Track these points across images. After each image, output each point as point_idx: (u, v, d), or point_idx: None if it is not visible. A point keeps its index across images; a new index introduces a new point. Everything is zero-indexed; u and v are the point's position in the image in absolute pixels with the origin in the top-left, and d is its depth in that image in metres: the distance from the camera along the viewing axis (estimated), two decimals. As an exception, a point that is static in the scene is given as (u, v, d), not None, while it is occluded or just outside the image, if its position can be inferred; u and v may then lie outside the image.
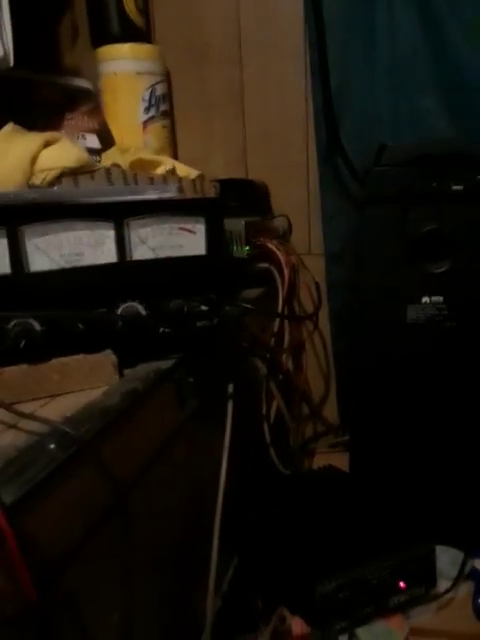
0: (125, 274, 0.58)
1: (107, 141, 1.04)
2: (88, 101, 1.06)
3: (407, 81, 1.04)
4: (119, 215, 0.56)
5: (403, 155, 0.78)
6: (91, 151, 0.99)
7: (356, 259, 0.86)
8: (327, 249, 1.15)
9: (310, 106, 1.11)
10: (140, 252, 0.59)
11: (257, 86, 1.14)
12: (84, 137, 1.02)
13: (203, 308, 0.64)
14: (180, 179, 0.80)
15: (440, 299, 0.82)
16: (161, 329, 0.61)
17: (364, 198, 0.81)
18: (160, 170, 0.79)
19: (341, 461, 1.06)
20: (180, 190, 0.62)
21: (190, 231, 0.61)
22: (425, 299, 0.82)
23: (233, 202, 1.08)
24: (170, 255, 0.60)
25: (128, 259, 0.58)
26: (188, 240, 0.61)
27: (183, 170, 0.84)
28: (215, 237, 0.63)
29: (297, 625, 0.72)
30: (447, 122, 1.03)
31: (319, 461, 1.19)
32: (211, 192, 0.83)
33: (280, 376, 1.02)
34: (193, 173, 0.85)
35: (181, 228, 0.60)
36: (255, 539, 0.85)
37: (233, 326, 0.81)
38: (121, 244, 0.57)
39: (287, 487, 0.92)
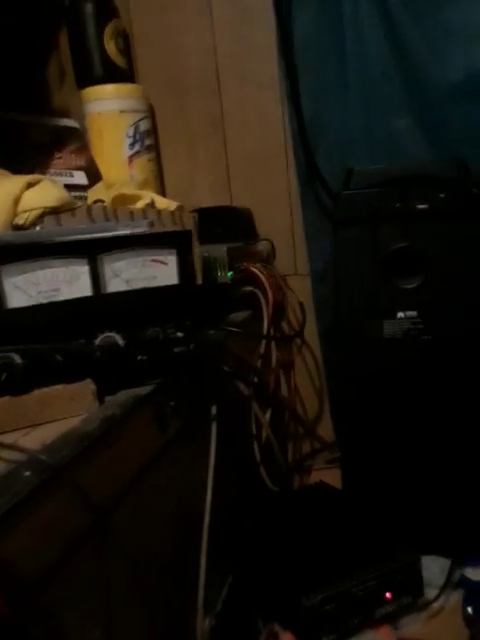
0: (101, 306, 0.62)
1: (94, 177, 1.08)
2: (75, 139, 1.11)
3: (379, 103, 1.07)
4: (93, 251, 0.60)
5: (370, 178, 0.82)
6: (79, 187, 1.04)
7: (333, 278, 0.88)
8: (312, 268, 1.18)
9: (287, 132, 1.15)
10: (115, 285, 0.62)
11: (237, 115, 1.19)
12: (72, 174, 1.07)
13: (179, 335, 0.67)
14: (159, 212, 0.84)
15: (414, 314, 0.84)
16: (139, 357, 0.65)
17: (335, 220, 0.84)
18: (140, 204, 0.83)
19: (337, 477, 1.08)
20: (151, 225, 0.66)
21: (162, 262, 0.65)
22: (400, 314, 0.85)
23: (218, 229, 1.12)
24: (144, 286, 0.64)
25: (103, 292, 0.61)
26: (161, 271, 0.65)
27: (163, 203, 0.88)
28: (186, 267, 0.66)
29: (286, 639, 0.74)
30: (420, 142, 1.06)
31: (316, 478, 1.21)
32: (190, 223, 0.86)
33: (269, 395, 1.05)
34: (172, 205, 0.89)
35: (153, 260, 0.64)
36: (248, 557, 0.87)
37: (215, 349, 0.84)
38: (96, 278, 0.61)
39: (279, 505, 0.94)
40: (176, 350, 0.68)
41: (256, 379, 0.99)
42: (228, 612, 0.84)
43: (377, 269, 0.84)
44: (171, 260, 0.65)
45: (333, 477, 1.09)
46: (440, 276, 0.83)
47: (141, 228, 0.62)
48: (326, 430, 1.28)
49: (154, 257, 0.64)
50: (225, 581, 0.90)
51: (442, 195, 0.79)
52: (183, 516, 0.75)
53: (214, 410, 0.79)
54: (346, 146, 1.10)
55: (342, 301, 0.87)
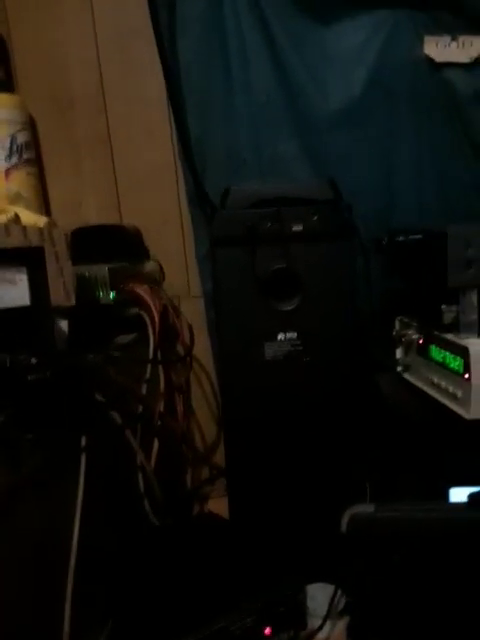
0: None
1: (-35, 191, 1.01)
2: None
3: (265, 126, 1.08)
4: None
5: (246, 198, 0.81)
6: None
7: (214, 301, 0.86)
8: (204, 289, 1.16)
9: (177, 151, 1.13)
10: None
11: (124, 133, 1.15)
12: None
13: (33, 360, 0.61)
14: (25, 228, 0.78)
15: (294, 335, 0.83)
16: (-16, 386, 0.59)
17: (213, 240, 0.82)
18: (1, 219, 0.77)
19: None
20: (-4, 241, 0.60)
21: (10, 282, 0.59)
22: (280, 336, 0.83)
23: (104, 248, 1.08)
24: (-12, 308, 0.58)
25: None
26: (8, 291, 0.59)
27: (30, 218, 0.82)
28: (40, 287, 0.61)
29: None
30: (306, 165, 1.08)
31: (213, 506, 1.16)
32: (60, 240, 0.81)
33: (159, 422, 1.00)
34: (41, 221, 0.83)
35: (-1, 279, 0.58)
36: (126, 599, 0.80)
37: (91, 375, 0.79)
38: None
39: (162, 539, 0.88)
40: (30, 378, 0.62)
41: (140, 407, 0.94)
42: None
43: (256, 291, 0.82)
44: (21, 279, 0.60)
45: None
46: (316, 297, 0.82)
47: (-18, 244, 0.57)
48: (223, 455, 1.24)
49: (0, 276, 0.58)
50: (104, 627, 0.83)
51: (315, 217, 0.79)
52: (45, 559, 0.68)
53: (84, 441, 0.74)
54: (235, 167, 1.09)
55: (224, 323, 0.85)
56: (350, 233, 0.80)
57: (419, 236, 0.76)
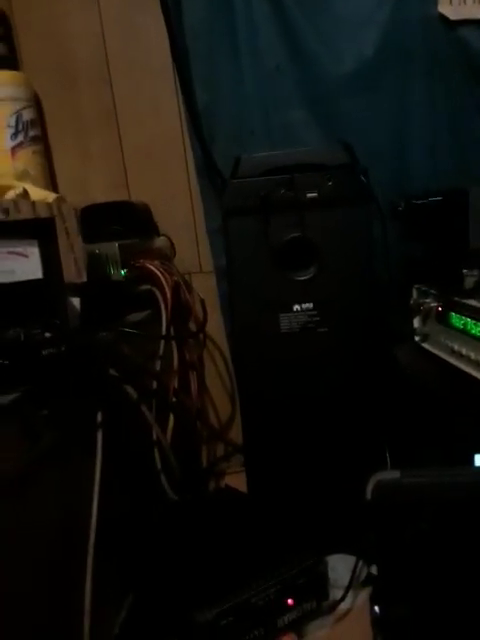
0: None
1: (-29, 170, 0.99)
2: None
3: (274, 95, 1.05)
4: None
5: (258, 166, 0.78)
6: (-48, 181, 0.95)
7: (227, 272, 0.84)
8: (215, 264, 1.14)
9: (185, 123, 1.11)
10: (-37, 280, 0.55)
11: (130, 105, 1.13)
12: None
13: (46, 335, 0.60)
14: (34, 203, 0.77)
15: (310, 305, 0.82)
16: (-2, 361, 0.58)
17: (225, 211, 0.80)
18: (10, 194, 0.75)
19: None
20: (6, 212, 0.59)
21: (22, 255, 0.58)
22: (296, 307, 0.82)
23: (115, 226, 1.06)
24: (0, 282, 0.57)
25: None
26: (20, 264, 0.58)
27: (39, 194, 0.81)
28: (52, 259, 0.60)
29: (183, 660, 0.68)
30: (317, 132, 1.05)
31: (229, 482, 1.16)
32: (70, 216, 0.79)
33: (174, 399, 0.99)
34: (50, 196, 0.82)
35: (10, 252, 0.57)
36: (146, 573, 0.80)
37: (104, 351, 0.78)
38: None
39: (180, 514, 0.88)
40: (44, 352, 0.61)
41: (154, 383, 0.93)
42: (127, 635, 0.78)
43: (271, 261, 0.80)
44: (32, 252, 0.58)
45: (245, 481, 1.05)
46: (333, 265, 0.80)
47: (-8, 216, 0.55)
48: (238, 433, 1.24)
49: (11, 249, 0.57)
50: (124, 602, 0.83)
51: (330, 183, 0.76)
52: (66, 534, 0.68)
53: (100, 417, 0.73)
54: (244, 137, 1.07)
55: (237, 296, 0.83)
56: (367, 198, 0.77)
57: (439, 198, 0.74)
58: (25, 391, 0.59)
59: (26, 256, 0.58)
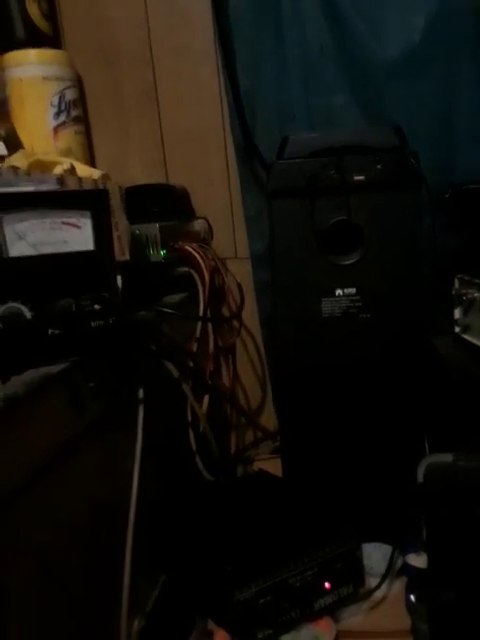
0: (3, 272, 0.55)
1: (15, 148, 1.00)
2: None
3: (317, 79, 1.04)
4: (-9, 210, 0.53)
5: (305, 147, 0.78)
6: (-4, 158, 0.95)
7: (269, 255, 0.84)
8: (251, 250, 1.14)
9: (225, 107, 1.10)
10: (18, 249, 0.55)
11: (171, 88, 1.13)
12: (-12, 144, 0.97)
13: (96, 307, 0.61)
14: (80, 179, 0.77)
15: (353, 291, 0.81)
16: (50, 331, 0.58)
17: (270, 192, 0.79)
18: (58, 169, 0.76)
19: (280, 468, 1.04)
20: (61, 182, 0.59)
21: (74, 225, 0.58)
22: (339, 291, 0.81)
23: (153, 207, 1.06)
24: (53, 251, 0.57)
25: (4, 256, 0.54)
26: (73, 235, 0.58)
27: (85, 170, 0.81)
28: (103, 232, 0.60)
29: (219, 637, 0.68)
30: (358, 118, 1.04)
31: (258, 468, 1.16)
32: (115, 193, 0.79)
33: (209, 381, 0.99)
34: (96, 173, 0.82)
35: (64, 223, 0.57)
36: (181, 551, 0.81)
37: (143, 327, 0.78)
38: (-5, 241, 0.53)
39: (215, 495, 0.88)
40: (93, 324, 0.61)
41: (191, 363, 0.93)
42: (160, 612, 0.78)
43: (314, 244, 0.79)
44: (85, 223, 0.58)
45: (276, 467, 1.05)
46: (378, 251, 0.79)
47: (48, 185, 0.55)
48: (268, 419, 1.23)
49: (65, 219, 0.57)
50: (158, 579, 0.84)
51: (379, 166, 0.75)
52: (106, 509, 0.69)
53: (141, 393, 0.73)
54: (285, 122, 1.06)
55: (278, 279, 0.82)
56: (417, 182, 0.76)
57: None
58: (74, 362, 0.60)
59: (79, 227, 0.58)
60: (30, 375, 0.56)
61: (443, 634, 0.54)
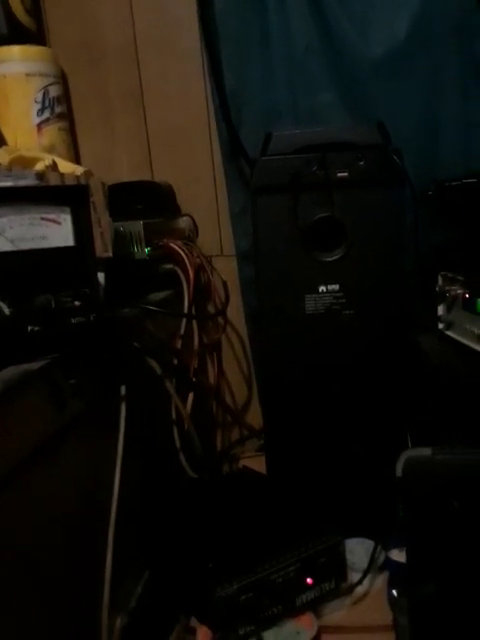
0: (-20, 268, 0.54)
1: (-1, 144, 0.99)
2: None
3: (303, 77, 1.04)
4: (-32, 205, 0.52)
5: (289, 144, 0.78)
6: (-22, 154, 0.94)
7: (253, 251, 0.84)
8: (237, 247, 1.14)
9: (211, 105, 1.10)
10: (-4, 244, 0.55)
11: (157, 87, 1.13)
12: (-30, 140, 0.97)
13: (76, 303, 0.60)
14: (62, 176, 0.77)
15: (336, 287, 0.81)
16: (29, 328, 0.58)
17: (254, 188, 0.79)
18: (39, 166, 0.75)
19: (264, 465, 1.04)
20: (40, 178, 0.58)
21: (54, 221, 0.58)
22: (322, 288, 0.81)
23: (137, 205, 1.06)
24: (32, 247, 0.57)
25: (-18, 252, 0.54)
26: (52, 231, 0.58)
27: (67, 166, 0.81)
28: (83, 228, 0.60)
29: (201, 634, 0.68)
30: (344, 116, 1.04)
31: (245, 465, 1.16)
32: (98, 190, 0.79)
33: (193, 379, 0.99)
34: (79, 170, 0.81)
35: (43, 218, 0.57)
36: (164, 549, 0.81)
37: (126, 324, 0.78)
38: (-28, 236, 0.53)
39: (199, 492, 0.88)
40: (73, 321, 0.61)
41: (175, 361, 0.93)
42: (143, 609, 0.78)
43: (297, 240, 0.79)
44: (65, 219, 0.58)
45: (262, 465, 1.05)
46: (362, 247, 0.80)
47: (27, 180, 0.55)
48: (254, 417, 1.24)
49: (44, 215, 0.57)
50: (141, 576, 0.84)
51: (362, 163, 0.76)
52: (87, 506, 0.68)
53: (123, 390, 0.73)
54: (270, 120, 1.06)
55: (262, 275, 0.82)
56: (400, 179, 0.76)
57: (473, 180, 0.73)
58: (54, 358, 0.60)
59: (59, 223, 0.58)
60: (9, 372, 0.55)
61: (423, 627, 0.55)
